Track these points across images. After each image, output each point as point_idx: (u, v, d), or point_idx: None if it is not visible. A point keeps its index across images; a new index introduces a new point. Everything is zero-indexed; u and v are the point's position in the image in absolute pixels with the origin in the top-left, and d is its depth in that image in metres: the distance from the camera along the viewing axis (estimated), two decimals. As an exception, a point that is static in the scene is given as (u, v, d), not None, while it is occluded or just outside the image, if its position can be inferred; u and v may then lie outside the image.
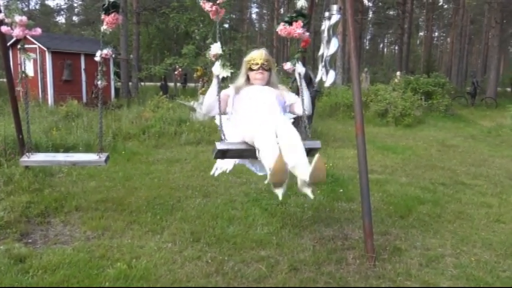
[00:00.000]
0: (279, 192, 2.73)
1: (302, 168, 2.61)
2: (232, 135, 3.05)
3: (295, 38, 3.21)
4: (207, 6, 2.93)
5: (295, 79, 3.34)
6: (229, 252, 3.28)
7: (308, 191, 2.68)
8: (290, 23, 3.12)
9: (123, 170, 5.66)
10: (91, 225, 3.71)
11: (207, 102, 3.21)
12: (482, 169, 6.43)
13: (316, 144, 3.10)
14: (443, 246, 3.49)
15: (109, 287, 2.73)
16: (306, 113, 3.16)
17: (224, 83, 3.24)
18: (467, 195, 4.98)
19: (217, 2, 2.92)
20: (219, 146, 2.90)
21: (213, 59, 3.01)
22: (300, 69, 3.21)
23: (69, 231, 3.67)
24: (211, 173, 3.45)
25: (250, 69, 3.25)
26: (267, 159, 2.58)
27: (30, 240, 3.45)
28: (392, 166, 6.46)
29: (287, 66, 3.26)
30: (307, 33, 3.23)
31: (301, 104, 3.19)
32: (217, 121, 3.11)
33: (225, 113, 3.22)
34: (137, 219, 3.91)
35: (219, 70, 2.98)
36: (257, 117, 2.96)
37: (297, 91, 3.43)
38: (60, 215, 3.98)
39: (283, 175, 2.52)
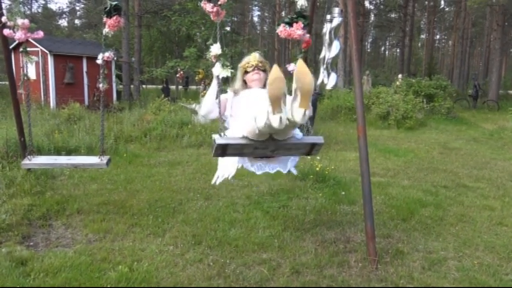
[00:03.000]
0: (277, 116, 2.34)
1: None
2: (232, 131, 2.87)
3: (295, 40, 3.11)
4: (208, 8, 2.86)
5: None
6: (231, 255, 3.27)
7: (297, 112, 2.34)
8: (290, 24, 3.01)
9: (125, 173, 5.66)
10: (93, 228, 3.72)
11: (205, 104, 3.12)
12: (484, 172, 6.42)
13: (320, 139, 2.93)
14: (445, 249, 3.48)
15: (110, 290, 2.73)
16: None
17: (225, 85, 3.17)
18: (470, 198, 4.96)
19: (219, 3, 2.85)
20: (219, 140, 2.66)
21: (213, 60, 2.91)
22: None
23: (71, 234, 3.67)
24: (213, 182, 3.29)
25: (246, 72, 3.17)
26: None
27: (31, 243, 3.45)
28: (394, 169, 6.45)
29: (291, 67, 3.18)
30: (308, 35, 3.16)
31: None
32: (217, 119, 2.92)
33: (223, 117, 3.04)
34: (139, 222, 3.91)
35: (219, 70, 2.86)
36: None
37: None
38: (61, 218, 3.99)
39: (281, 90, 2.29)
